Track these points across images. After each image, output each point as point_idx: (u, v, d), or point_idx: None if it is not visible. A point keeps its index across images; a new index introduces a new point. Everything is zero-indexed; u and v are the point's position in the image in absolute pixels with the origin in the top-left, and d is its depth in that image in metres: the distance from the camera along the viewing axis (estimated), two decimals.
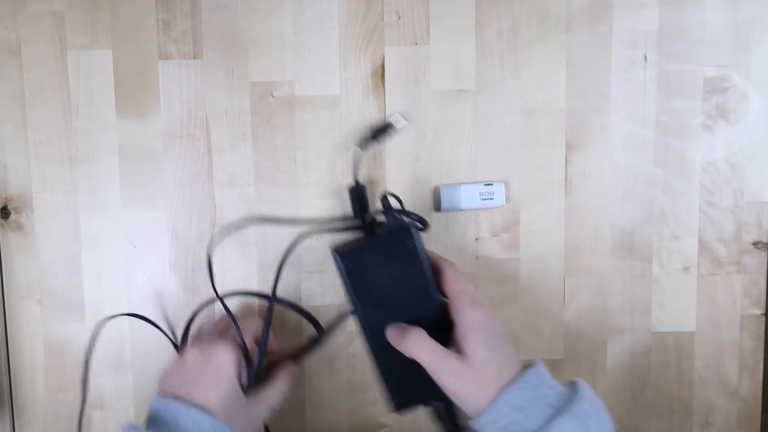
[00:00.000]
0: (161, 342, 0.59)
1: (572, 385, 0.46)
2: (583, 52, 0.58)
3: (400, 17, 0.57)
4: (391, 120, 0.56)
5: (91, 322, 0.59)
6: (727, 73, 0.58)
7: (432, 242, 0.59)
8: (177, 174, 0.58)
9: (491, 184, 0.57)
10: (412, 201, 0.58)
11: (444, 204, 0.58)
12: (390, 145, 0.58)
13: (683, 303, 0.60)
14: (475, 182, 0.58)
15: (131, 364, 0.60)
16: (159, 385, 0.50)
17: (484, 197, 0.57)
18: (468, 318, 0.47)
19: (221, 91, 0.57)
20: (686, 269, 0.60)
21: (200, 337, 0.54)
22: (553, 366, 0.60)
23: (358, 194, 0.55)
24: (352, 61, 0.57)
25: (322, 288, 0.59)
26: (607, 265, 0.59)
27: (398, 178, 0.58)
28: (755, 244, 0.60)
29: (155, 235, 0.59)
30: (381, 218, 0.53)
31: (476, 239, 0.59)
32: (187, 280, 0.59)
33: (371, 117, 0.57)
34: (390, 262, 0.50)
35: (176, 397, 0.47)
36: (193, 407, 0.46)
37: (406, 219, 0.53)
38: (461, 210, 0.57)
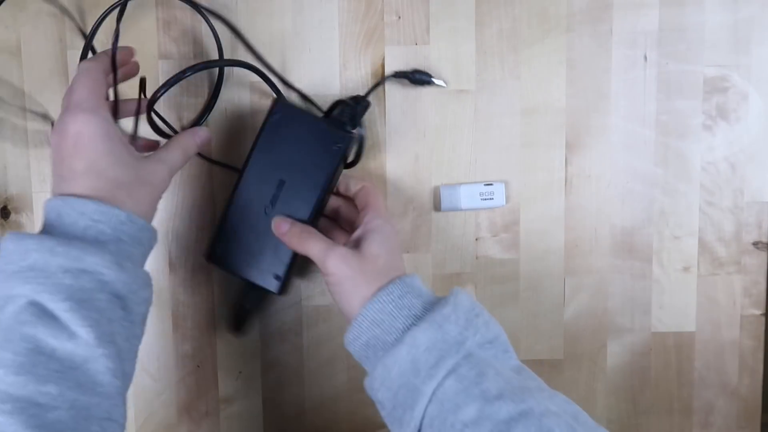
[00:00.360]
0: (161, 342, 0.59)
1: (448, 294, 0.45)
2: (583, 52, 0.58)
3: (400, 17, 0.57)
4: (436, 81, 0.57)
5: None
6: (727, 73, 0.58)
7: (432, 242, 0.59)
8: (177, 174, 0.58)
9: (491, 184, 0.57)
10: (412, 201, 0.58)
11: (444, 204, 0.58)
12: (390, 145, 0.58)
13: (683, 303, 0.60)
14: (475, 182, 0.58)
15: None
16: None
17: (484, 197, 0.57)
18: (377, 224, 0.48)
19: (221, 91, 0.57)
20: (686, 269, 0.60)
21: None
22: (553, 366, 0.60)
23: (358, 105, 0.54)
24: (352, 61, 0.57)
25: (321, 288, 0.59)
26: (607, 265, 0.59)
27: (398, 178, 0.58)
28: (755, 244, 0.60)
29: None
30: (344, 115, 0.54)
31: (476, 239, 0.59)
32: (187, 280, 0.59)
33: (371, 117, 0.57)
34: (310, 144, 0.51)
35: (56, 194, 0.42)
36: (71, 196, 0.41)
37: (357, 129, 0.53)
38: (461, 210, 0.57)
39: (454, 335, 0.42)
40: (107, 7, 0.53)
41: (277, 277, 0.52)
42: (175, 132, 0.54)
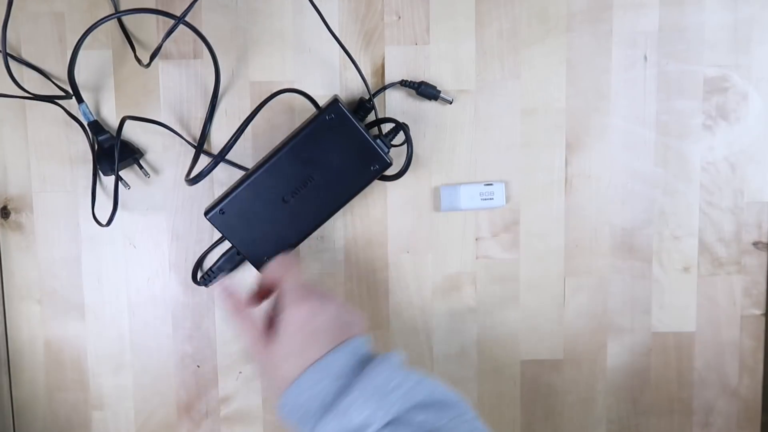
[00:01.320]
0: (161, 342, 0.59)
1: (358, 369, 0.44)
2: (583, 52, 0.58)
3: (400, 17, 0.57)
4: (444, 96, 0.57)
5: (91, 322, 0.59)
6: (727, 73, 0.58)
7: (432, 242, 0.59)
8: (177, 174, 0.58)
9: (491, 184, 0.57)
10: (412, 201, 0.58)
11: (444, 204, 0.58)
12: None
13: (683, 303, 0.60)
14: (475, 182, 0.58)
15: (131, 364, 0.60)
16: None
17: (484, 197, 0.57)
18: (288, 308, 0.45)
19: (221, 91, 0.57)
20: (686, 269, 0.60)
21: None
22: (553, 366, 0.60)
23: (406, 129, 0.55)
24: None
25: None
26: (607, 265, 0.59)
27: (398, 179, 0.58)
28: (755, 244, 0.60)
29: (155, 235, 0.59)
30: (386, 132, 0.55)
31: (476, 239, 0.59)
32: (187, 280, 0.59)
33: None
34: (350, 155, 0.52)
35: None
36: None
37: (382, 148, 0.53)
38: (461, 210, 0.57)
39: (357, 423, 0.40)
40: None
41: (266, 260, 0.53)
42: None
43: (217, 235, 0.58)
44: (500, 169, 0.58)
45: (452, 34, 0.57)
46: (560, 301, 0.60)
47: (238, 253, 0.56)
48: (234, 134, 0.53)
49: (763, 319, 0.60)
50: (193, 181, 0.52)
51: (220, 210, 0.53)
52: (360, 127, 0.52)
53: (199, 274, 0.59)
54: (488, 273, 0.59)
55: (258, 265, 0.54)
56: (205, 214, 0.53)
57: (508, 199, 0.58)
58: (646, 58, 0.58)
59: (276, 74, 0.57)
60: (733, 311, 0.60)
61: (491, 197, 0.57)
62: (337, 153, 0.52)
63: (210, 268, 0.58)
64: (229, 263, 0.57)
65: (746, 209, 0.59)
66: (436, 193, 0.58)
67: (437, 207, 0.58)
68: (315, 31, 0.57)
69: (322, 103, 0.54)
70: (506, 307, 0.60)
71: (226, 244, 0.58)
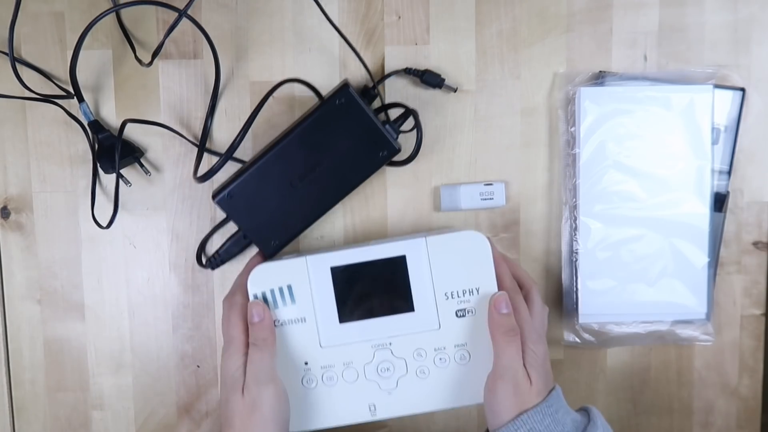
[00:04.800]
0: (161, 342, 0.59)
1: (586, 413, 0.48)
2: (583, 52, 0.58)
3: (400, 17, 0.57)
4: (448, 84, 0.56)
5: (91, 322, 0.59)
6: (727, 73, 0.58)
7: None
8: (177, 174, 0.58)
9: (491, 184, 0.57)
10: (412, 201, 0.58)
11: (444, 204, 0.58)
12: None
13: None
14: (475, 182, 0.58)
15: (131, 364, 0.60)
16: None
17: (484, 197, 0.57)
18: (505, 359, 0.48)
19: (221, 90, 0.57)
20: None
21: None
22: (553, 366, 0.60)
23: (416, 115, 0.55)
24: (352, 61, 0.57)
25: None
26: None
27: (398, 178, 0.58)
28: (755, 244, 0.60)
29: (155, 235, 0.59)
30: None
31: None
32: (187, 280, 0.59)
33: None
34: (360, 141, 0.52)
35: None
36: None
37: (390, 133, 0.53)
38: (461, 210, 0.57)
39: None
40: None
41: (274, 245, 0.53)
42: None
43: (221, 217, 0.58)
44: (500, 169, 0.58)
45: (452, 34, 0.57)
46: (560, 300, 0.60)
47: (245, 237, 0.55)
48: (241, 129, 0.52)
49: (763, 319, 0.60)
50: (202, 178, 0.52)
51: (228, 194, 0.53)
52: (369, 112, 0.52)
53: (204, 259, 0.58)
54: None
55: (265, 250, 0.54)
56: (213, 197, 0.53)
57: (508, 199, 0.58)
58: (646, 58, 0.58)
59: (276, 74, 0.57)
60: (733, 311, 0.60)
61: (491, 197, 0.57)
62: (346, 138, 0.52)
63: (217, 251, 0.57)
64: (236, 247, 0.57)
65: (746, 209, 0.59)
66: (436, 193, 0.58)
67: (437, 207, 0.58)
68: (315, 31, 0.57)
69: (325, 93, 0.54)
70: None
71: (229, 228, 0.57)
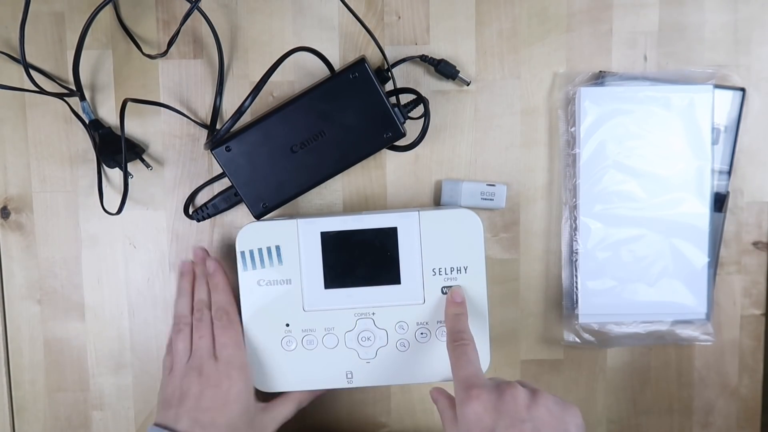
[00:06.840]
0: (161, 342, 0.59)
1: None
2: (583, 52, 0.58)
3: (400, 17, 0.57)
4: (462, 77, 0.56)
5: (91, 322, 0.59)
6: (727, 73, 0.58)
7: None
8: (177, 174, 0.58)
9: (494, 185, 0.57)
10: (413, 199, 0.58)
11: (444, 198, 0.58)
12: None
13: None
14: (479, 181, 0.58)
15: (131, 363, 0.60)
16: (159, 412, 0.49)
17: (485, 197, 0.57)
18: (465, 414, 0.42)
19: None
20: None
21: (194, 357, 0.52)
22: (553, 366, 0.60)
23: (425, 103, 0.55)
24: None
25: None
26: None
27: (398, 179, 0.58)
28: (755, 244, 0.60)
29: (155, 235, 0.59)
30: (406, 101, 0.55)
31: None
32: None
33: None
34: (367, 118, 0.51)
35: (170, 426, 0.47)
36: None
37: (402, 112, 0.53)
38: (460, 206, 0.57)
39: None
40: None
41: (264, 206, 0.53)
42: None
43: (216, 171, 0.58)
44: (500, 169, 0.58)
45: (452, 34, 0.57)
46: (560, 300, 0.60)
47: (236, 194, 0.54)
48: (251, 92, 0.51)
49: (763, 319, 0.60)
50: (212, 144, 0.52)
51: (226, 147, 0.52)
52: (381, 92, 0.52)
53: (191, 209, 0.58)
54: (488, 273, 0.59)
55: (253, 209, 0.53)
56: (211, 148, 0.52)
57: (507, 200, 0.58)
58: (646, 58, 0.58)
59: (276, 74, 0.57)
60: (733, 311, 0.60)
61: (491, 198, 0.57)
62: (354, 113, 0.51)
63: (204, 204, 0.57)
64: (225, 203, 0.56)
65: (746, 209, 0.59)
66: (436, 190, 0.58)
67: (437, 201, 0.58)
68: (315, 31, 0.57)
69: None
70: (506, 307, 0.60)
71: (224, 183, 0.57)
